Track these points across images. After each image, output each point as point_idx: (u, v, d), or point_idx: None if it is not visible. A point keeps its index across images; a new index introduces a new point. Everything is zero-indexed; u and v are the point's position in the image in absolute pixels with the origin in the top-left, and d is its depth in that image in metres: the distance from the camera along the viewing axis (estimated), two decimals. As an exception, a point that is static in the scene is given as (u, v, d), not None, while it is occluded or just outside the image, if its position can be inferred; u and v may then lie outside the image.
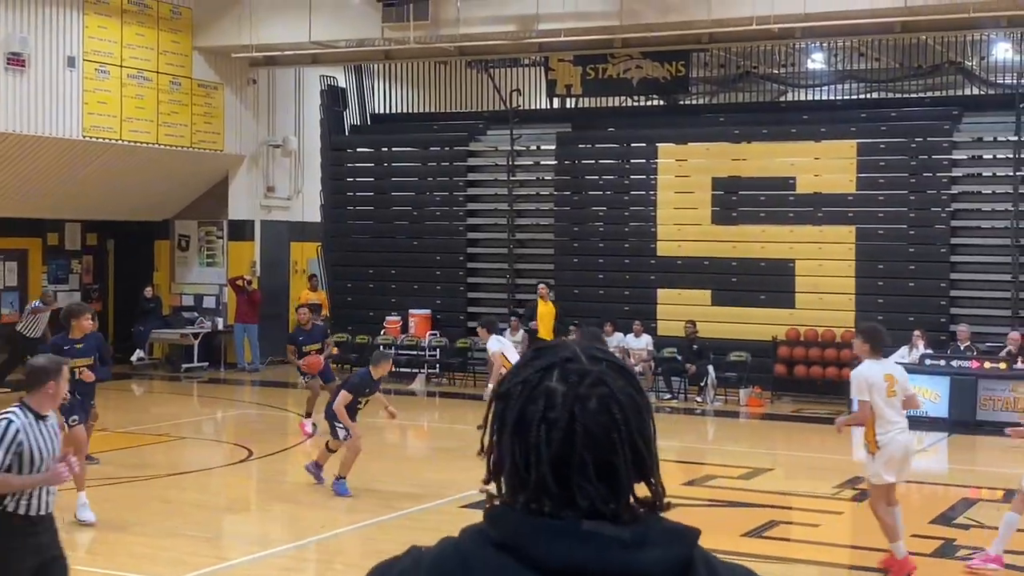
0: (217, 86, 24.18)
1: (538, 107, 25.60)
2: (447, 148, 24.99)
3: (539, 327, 20.83)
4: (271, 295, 24.94)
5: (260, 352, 24.37)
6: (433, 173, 24.85)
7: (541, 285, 21.07)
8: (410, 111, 26.53)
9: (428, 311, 23.90)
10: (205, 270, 25.40)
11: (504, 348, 13.77)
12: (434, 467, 14.66)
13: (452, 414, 19.77)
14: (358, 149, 25.97)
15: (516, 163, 24.08)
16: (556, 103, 25.09)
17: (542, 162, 24.65)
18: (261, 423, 19.01)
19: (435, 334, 23.59)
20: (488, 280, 24.45)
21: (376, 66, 25.89)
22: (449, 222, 24.49)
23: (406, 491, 12.62)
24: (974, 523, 10.95)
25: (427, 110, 26.63)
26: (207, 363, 23.97)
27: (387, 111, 26.35)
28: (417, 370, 22.98)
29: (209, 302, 24.91)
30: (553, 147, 24.10)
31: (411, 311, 23.78)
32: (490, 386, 13.59)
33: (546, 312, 20.80)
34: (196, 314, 24.89)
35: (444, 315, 24.05)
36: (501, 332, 15.13)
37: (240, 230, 25.20)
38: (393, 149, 25.65)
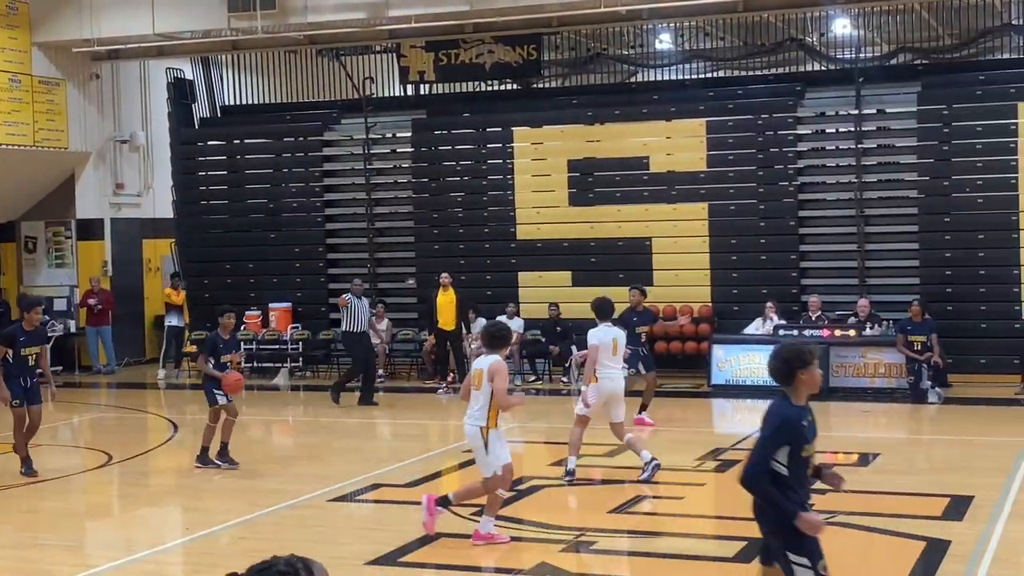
0: (59, 82, 23.50)
1: (392, 94, 25.49)
2: (301, 138, 24.71)
3: (439, 317, 20.51)
4: (125, 295, 24.39)
5: (115, 353, 23.85)
6: (288, 164, 24.53)
7: (444, 275, 20.65)
8: (261, 102, 26.13)
9: (288, 304, 23.64)
10: (55, 271, 24.73)
11: (602, 352, 12.37)
12: (300, 462, 14.53)
13: (316, 408, 19.61)
14: (209, 142, 25.48)
15: (372, 151, 23.95)
16: (410, 90, 25.01)
17: (398, 150, 24.57)
18: (119, 426, 18.59)
19: (297, 327, 23.36)
20: (348, 270, 24.27)
21: (224, 57, 25.46)
22: (306, 213, 24.26)
23: (273, 488, 12.48)
24: (828, 487, 11.27)
25: (279, 100, 26.26)
26: (60, 367, 23.30)
27: (237, 103, 25.92)
28: (280, 364, 22.75)
29: (60, 304, 24.19)
30: (409, 134, 24.04)
31: (271, 305, 23.50)
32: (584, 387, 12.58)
33: (447, 301, 20.50)
34: (47, 317, 24.15)
35: (305, 307, 23.84)
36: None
37: (89, 229, 24.57)
38: (245, 141, 25.23)
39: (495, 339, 9.74)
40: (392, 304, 23.64)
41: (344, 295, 19.29)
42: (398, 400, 20.06)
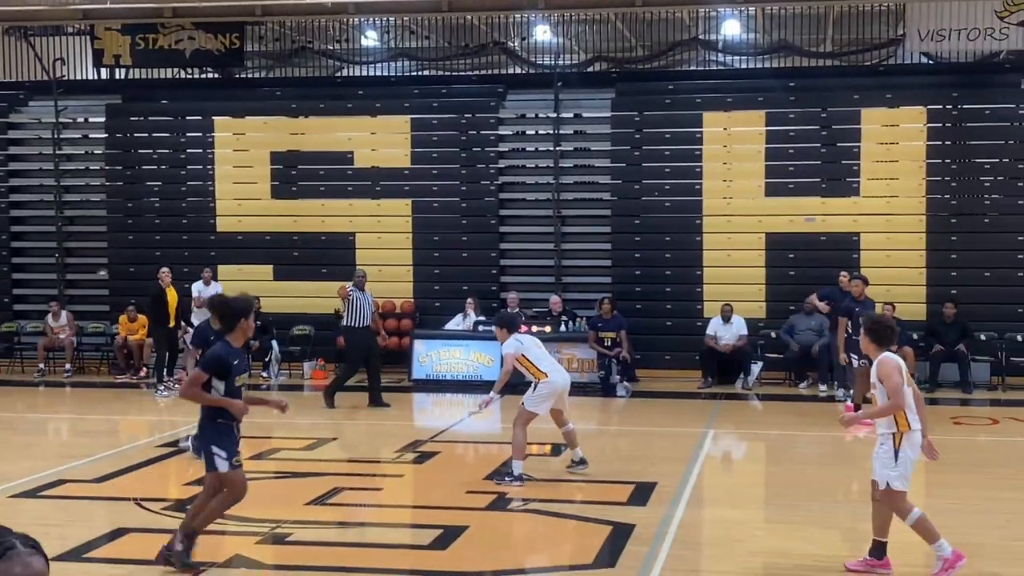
0: None
1: (85, 78, 24.39)
2: (-16, 120, 23.31)
3: (163, 313, 19.14)
4: None
5: None
6: (-32, 146, 23.08)
7: (163, 270, 19.26)
8: (-60, 79, 24.46)
9: (-32, 295, 22.26)
10: None
11: (525, 349, 11.83)
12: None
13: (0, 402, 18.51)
14: None
15: (62, 136, 22.85)
16: (105, 74, 24.01)
17: (91, 135, 23.55)
18: None
19: (-24, 319, 22.02)
20: (35, 261, 23.11)
21: (-102, 29, 23.68)
22: (-12, 199, 22.93)
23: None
24: (526, 476, 11.60)
25: (-40, 79, 24.65)
26: None
27: (-87, 79, 24.17)
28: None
29: None
30: (103, 120, 23.09)
31: (-52, 295, 22.05)
32: (492, 394, 11.98)
33: (173, 299, 19.28)
34: None
35: (-14, 299, 22.51)
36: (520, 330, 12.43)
37: None
38: (-79, 120, 23.55)
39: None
40: (81, 297, 22.65)
41: (346, 285, 17.71)
42: (87, 395, 19.22)
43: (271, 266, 22.07)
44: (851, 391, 16.81)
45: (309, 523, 10.14)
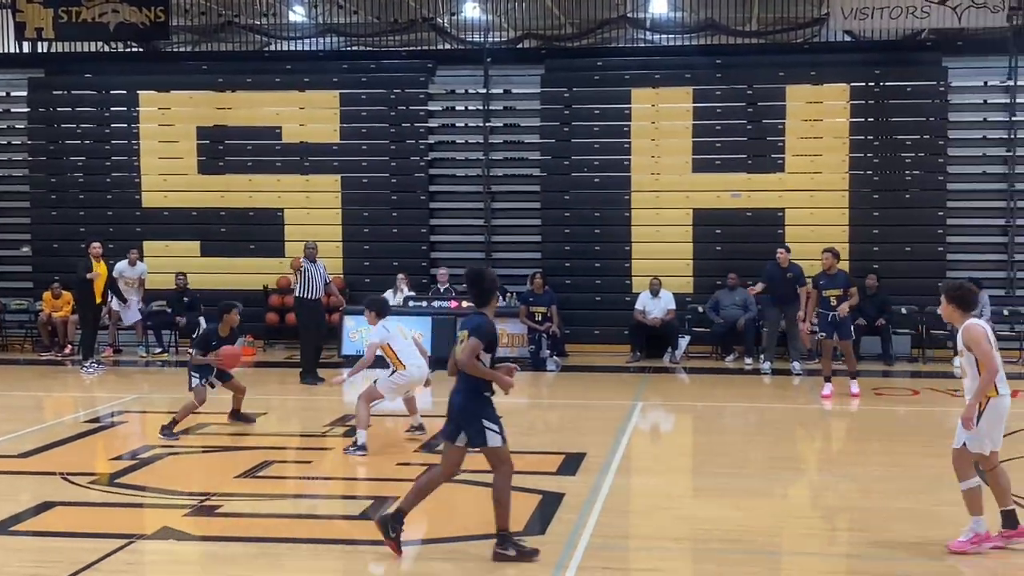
0: None
1: (7, 51, 23.93)
2: (-99, 93, 22.80)
3: (90, 289, 18.75)
4: None
5: None
6: None
7: (95, 244, 18.90)
8: None
9: None
10: None
11: (391, 338, 12.17)
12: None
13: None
14: None
15: (-17, 110, 22.44)
16: (27, 47, 23.58)
17: (13, 109, 23.14)
18: None
19: None
20: (-46, 237, 22.71)
21: None
22: (-94, 174, 22.45)
23: None
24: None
25: None
26: None
27: None
28: None
29: None
30: (25, 94, 22.73)
31: None
32: (345, 373, 12.42)
33: (102, 274, 18.83)
34: None
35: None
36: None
37: None
38: None
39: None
40: (4, 273, 22.32)
41: (298, 258, 17.54)
42: (11, 373, 18.98)
43: (198, 242, 21.88)
44: (801, 360, 18.08)
45: (239, 495, 10.13)
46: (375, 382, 12.25)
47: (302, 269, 17.30)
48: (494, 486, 8.20)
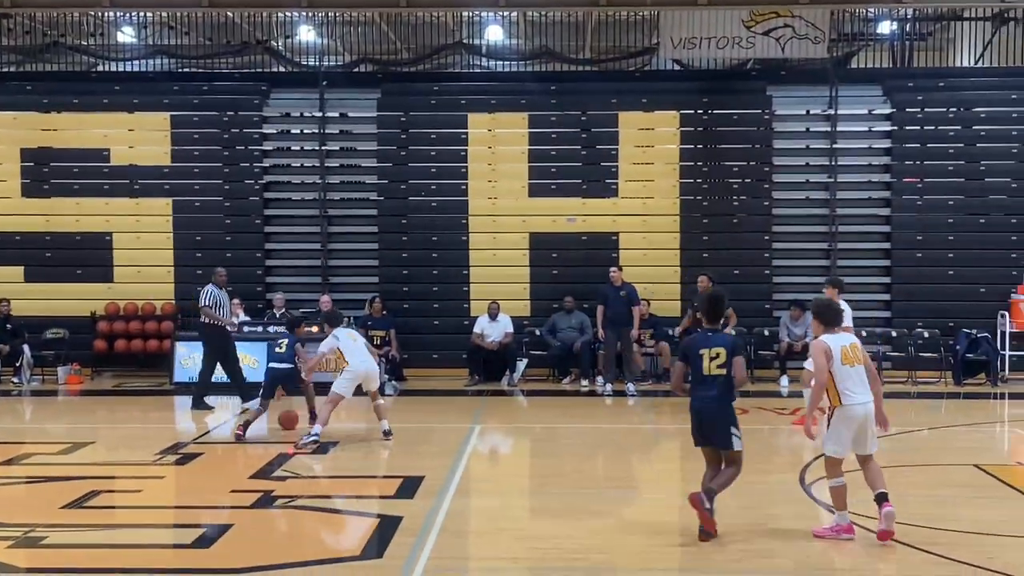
0: None
1: None
2: None
3: None
4: None
5: None
6: None
7: None
8: None
9: None
10: None
11: (339, 344, 13.91)
12: None
13: None
14: None
15: None
16: None
17: None
18: None
19: None
20: None
21: None
22: None
23: None
24: (290, 474, 11.55)
25: None
26: None
27: None
28: None
29: None
30: None
31: None
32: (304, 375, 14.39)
33: None
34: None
35: None
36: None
37: None
38: None
39: None
40: None
41: (207, 286, 16.86)
42: None
43: (22, 267, 21.18)
44: (635, 382, 18.60)
45: (65, 526, 9.79)
46: (332, 387, 13.92)
47: (210, 293, 17.04)
48: (728, 473, 9.27)
